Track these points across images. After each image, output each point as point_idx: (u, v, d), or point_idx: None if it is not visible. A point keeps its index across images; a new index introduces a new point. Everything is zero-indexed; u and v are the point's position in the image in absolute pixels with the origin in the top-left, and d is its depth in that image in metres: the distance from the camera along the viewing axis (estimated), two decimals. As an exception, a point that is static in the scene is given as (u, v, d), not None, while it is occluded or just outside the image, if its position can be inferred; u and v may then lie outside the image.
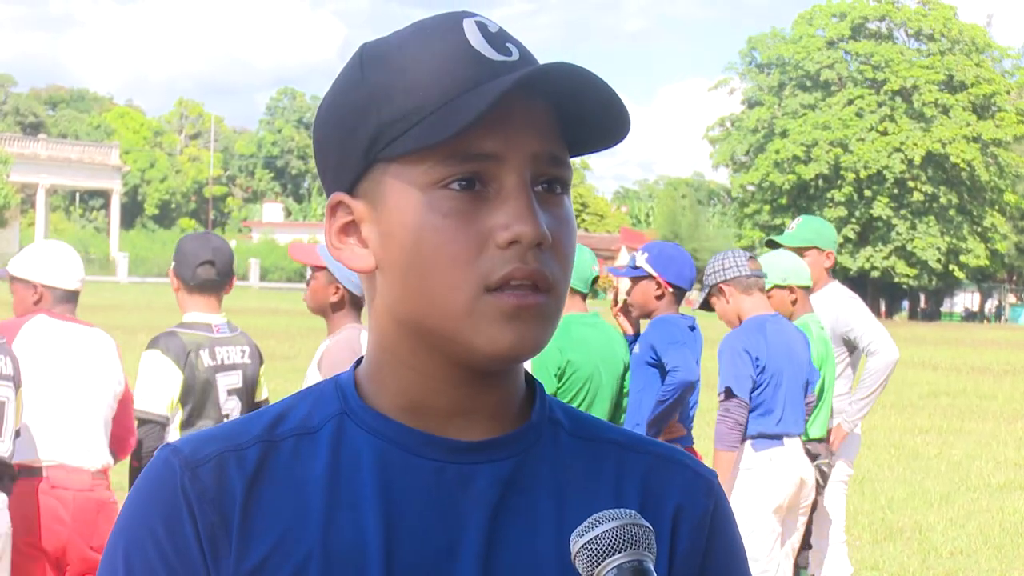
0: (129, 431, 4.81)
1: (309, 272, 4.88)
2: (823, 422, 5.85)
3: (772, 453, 5.36)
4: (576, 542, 1.08)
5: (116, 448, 4.80)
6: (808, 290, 5.97)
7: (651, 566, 1.07)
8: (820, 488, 5.86)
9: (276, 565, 1.13)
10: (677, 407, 5.25)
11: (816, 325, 5.87)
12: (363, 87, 1.16)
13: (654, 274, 5.50)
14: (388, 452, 1.17)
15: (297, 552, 1.13)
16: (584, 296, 5.29)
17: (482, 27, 1.15)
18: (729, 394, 5.28)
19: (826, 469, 5.80)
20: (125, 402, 4.83)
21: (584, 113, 1.15)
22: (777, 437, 5.36)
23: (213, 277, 4.77)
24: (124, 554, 1.15)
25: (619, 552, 1.07)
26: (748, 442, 5.34)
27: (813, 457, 5.74)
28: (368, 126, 1.14)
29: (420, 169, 1.12)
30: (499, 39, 1.15)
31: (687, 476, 1.24)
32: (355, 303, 4.83)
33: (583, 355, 5.10)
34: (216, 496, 1.14)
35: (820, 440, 5.83)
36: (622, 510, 1.09)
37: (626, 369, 5.35)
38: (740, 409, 5.26)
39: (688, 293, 5.71)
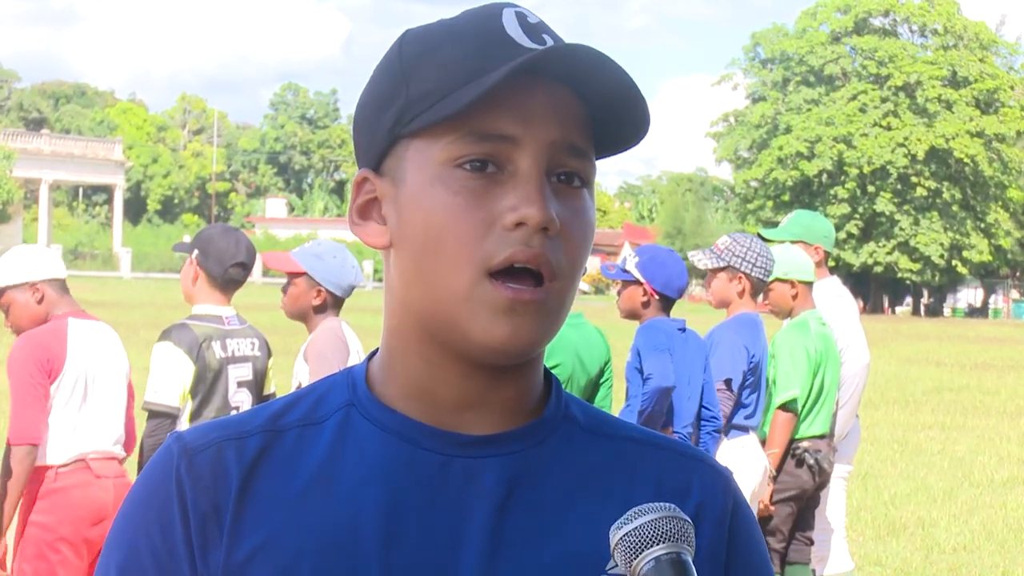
0: (132, 428, 4.85)
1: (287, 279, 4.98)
2: (825, 419, 5.84)
3: (743, 442, 5.46)
4: (615, 534, 1.07)
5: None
6: (810, 286, 5.95)
7: (689, 559, 1.06)
8: (822, 485, 5.86)
9: (269, 555, 1.12)
10: (659, 416, 5.17)
11: (816, 321, 5.85)
12: (398, 67, 1.16)
13: (642, 280, 5.34)
14: (392, 445, 1.15)
15: (291, 543, 1.12)
16: None
17: (521, 17, 1.16)
18: (728, 385, 5.28)
19: (827, 466, 5.79)
20: (129, 396, 4.87)
21: (604, 103, 1.14)
22: (744, 428, 5.43)
23: (242, 278, 4.83)
24: (116, 538, 1.17)
25: (658, 544, 1.06)
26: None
27: (814, 455, 5.74)
28: (397, 103, 1.15)
29: (438, 146, 1.13)
30: (536, 29, 1.15)
31: (705, 472, 1.23)
32: (336, 304, 4.93)
33: (566, 356, 5.09)
34: (210, 484, 1.14)
35: (822, 436, 5.82)
36: (662, 503, 1.08)
37: (601, 372, 5.34)
38: (730, 402, 5.31)
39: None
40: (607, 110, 1.15)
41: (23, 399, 4.47)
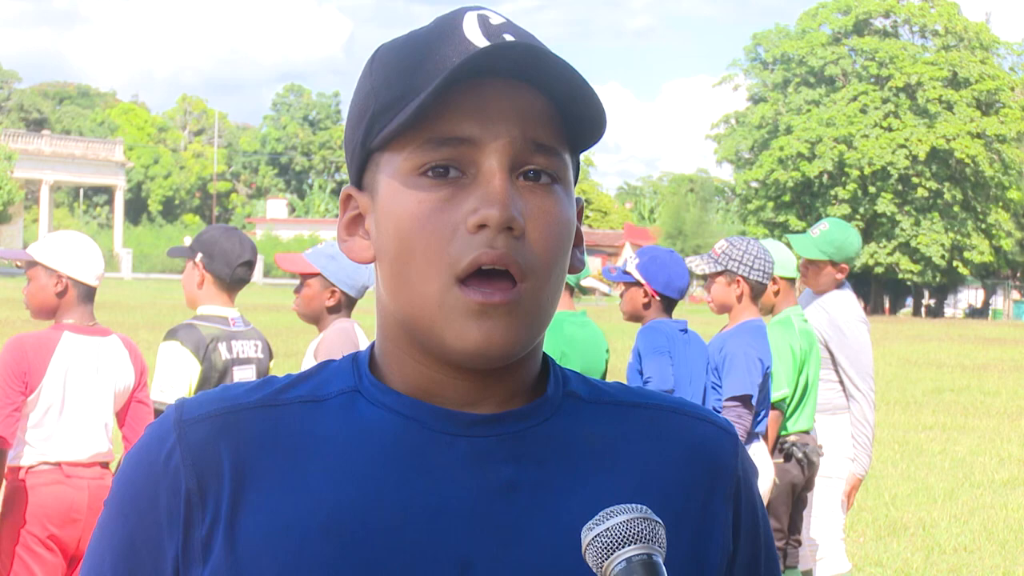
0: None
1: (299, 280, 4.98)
2: (809, 415, 5.84)
3: (755, 449, 5.43)
4: (586, 535, 1.07)
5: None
6: (792, 282, 5.94)
7: (660, 560, 1.06)
8: (810, 479, 5.87)
9: (275, 535, 1.11)
10: None
11: (799, 319, 5.83)
12: (368, 82, 1.18)
13: (642, 281, 5.34)
14: (399, 425, 1.16)
15: (297, 524, 1.11)
16: (572, 292, 5.27)
17: (483, 19, 1.16)
18: (745, 401, 5.26)
19: (815, 459, 5.80)
20: (137, 400, 4.81)
21: (558, 95, 1.13)
22: (755, 435, 5.43)
23: (249, 277, 4.84)
24: (107, 505, 1.17)
25: (629, 545, 1.06)
26: None
27: (802, 448, 5.75)
28: (367, 117, 1.16)
29: (402, 156, 1.13)
30: (497, 30, 1.15)
31: (712, 430, 1.25)
32: (349, 304, 4.95)
33: (574, 351, 5.11)
34: (198, 460, 1.13)
35: (807, 432, 5.83)
36: (633, 505, 1.08)
37: (606, 371, 5.34)
38: (750, 416, 5.28)
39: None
40: (568, 105, 1.14)
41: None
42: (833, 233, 6.15)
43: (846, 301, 6.23)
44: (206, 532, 1.12)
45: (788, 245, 6.22)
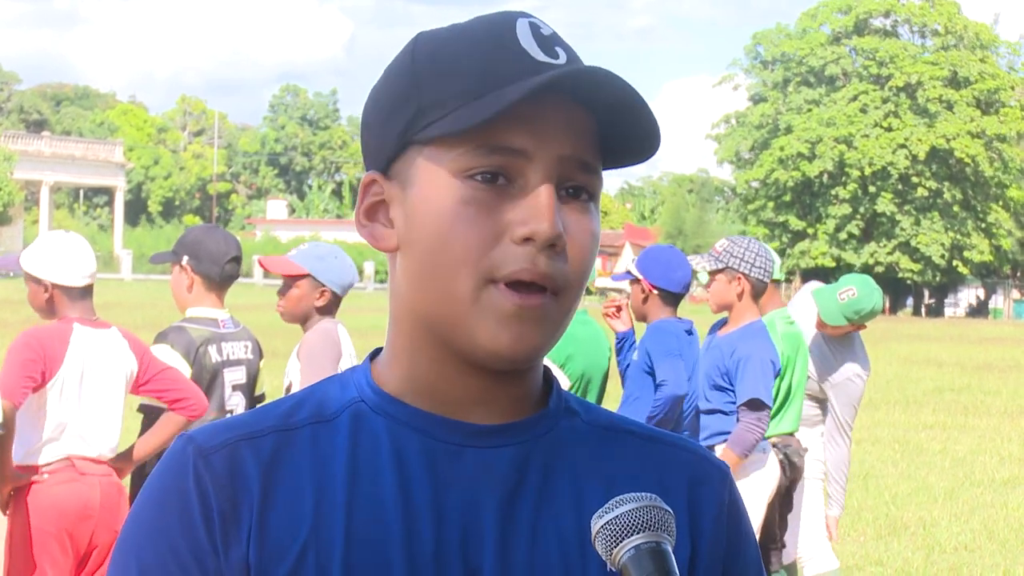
0: (181, 391, 4.61)
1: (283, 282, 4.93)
2: (793, 417, 5.80)
3: (764, 446, 5.42)
4: (596, 523, 1.09)
5: (181, 408, 4.62)
6: (778, 284, 5.93)
7: (669, 548, 1.07)
8: (794, 480, 5.84)
9: (298, 553, 1.13)
10: (669, 423, 5.18)
11: (783, 321, 5.79)
12: (410, 71, 1.18)
13: (639, 276, 5.39)
14: (405, 436, 1.17)
15: (319, 540, 1.13)
16: None
17: (534, 28, 1.17)
18: (760, 406, 5.23)
19: (797, 460, 5.77)
20: (157, 374, 4.71)
21: (615, 121, 1.16)
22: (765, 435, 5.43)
23: (237, 273, 4.83)
24: (134, 540, 1.16)
25: (638, 533, 1.07)
26: None
27: (783, 449, 5.72)
28: (409, 108, 1.16)
29: (450, 155, 1.14)
30: (549, 41, 1.17)
31: (703, 466, 1.26)
32: (336, 304, 4.93)
33: (578, 351, 5.11)
34: (228, 482, 1.14)
35: (791, 434, 5.81)
36: (643, 493, 1.09)
37: (608, 369, 5.36)
38: (766, 419, 5.25)
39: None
40: (620, 128, 1.17)
41: (12, 367, 4.45)
42: (860, 302, 6.07)
43: (856, 353, 6.25)
44: (245, 553, 1.13)
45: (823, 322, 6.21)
